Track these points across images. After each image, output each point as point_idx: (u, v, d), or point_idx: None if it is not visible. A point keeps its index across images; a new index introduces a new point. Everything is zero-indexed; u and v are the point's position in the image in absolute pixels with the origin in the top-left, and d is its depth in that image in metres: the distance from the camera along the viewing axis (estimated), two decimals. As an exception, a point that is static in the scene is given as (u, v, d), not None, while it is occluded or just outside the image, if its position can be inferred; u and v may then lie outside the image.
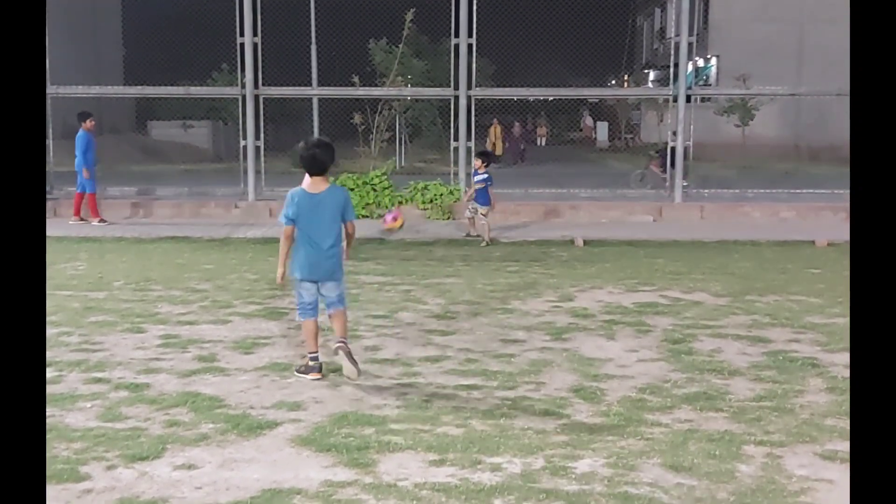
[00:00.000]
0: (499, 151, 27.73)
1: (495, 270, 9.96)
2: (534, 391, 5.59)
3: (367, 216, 13.96)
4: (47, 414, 5.06)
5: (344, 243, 6.12)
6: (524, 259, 10.79)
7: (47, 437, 4.69)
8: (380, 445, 4.62)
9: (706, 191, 15.67)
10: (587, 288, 8.93)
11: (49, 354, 6.31)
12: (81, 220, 13.87)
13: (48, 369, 5.95)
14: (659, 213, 14.68)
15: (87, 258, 10.60)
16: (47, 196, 14.54)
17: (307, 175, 5.96)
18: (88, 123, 13.88)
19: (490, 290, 8.80)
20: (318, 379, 5.86)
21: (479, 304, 8.12)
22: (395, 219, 10.99)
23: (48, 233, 12.47)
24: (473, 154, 13.74)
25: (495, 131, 27.73)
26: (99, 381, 5.75)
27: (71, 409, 5.20)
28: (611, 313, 7.78)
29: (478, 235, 12.53)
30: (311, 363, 5.95)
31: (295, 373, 6.01)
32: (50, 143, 14.98)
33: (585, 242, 11.96)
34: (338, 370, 5.93)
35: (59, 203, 14.70)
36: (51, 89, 15.11)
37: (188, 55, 29.17)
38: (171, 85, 18.58)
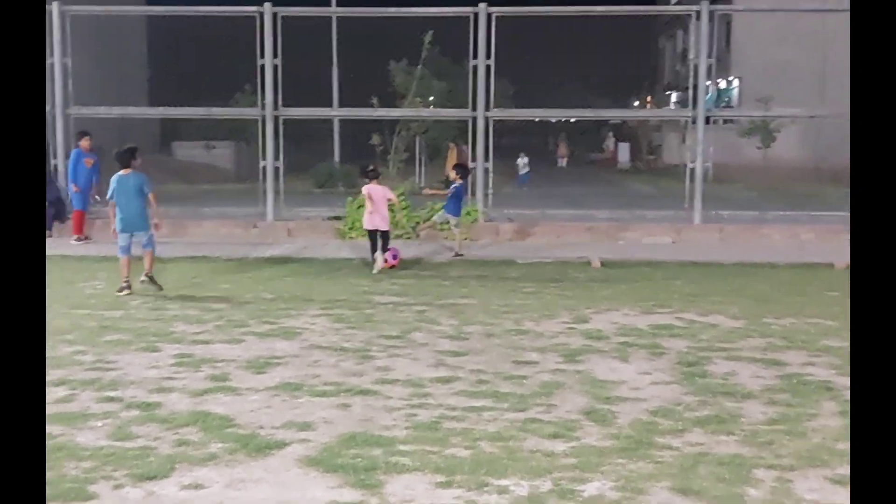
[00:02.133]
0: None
1: (511, 291, 9.94)
2: (544, 413, 5.57)
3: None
4: (58, 433, 5.11)
5: (153, 211, 9.79)
6: (541, 280, 10.77)
7: (57, 455, 4.73)
8: (387, 466, 4.62)
9: (726, 212, 15.57)
10: (603, 310, 8.90)
11: (63, 373, 6.36)
12: (85, 238, 14.04)
13: (61, 388, 6.01)
14: (678, 234, 14.62)
15: (105, 277, 10.67)
16: (68, 216, 14.67)
17: (121, 167, 9.70)
18: (82, 142, 14.18)
19: (504, 310, 8.78)
20: (127, 294, 9.43)
21: (492, 325, 8.10)
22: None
23: (67, 252, 12.64)
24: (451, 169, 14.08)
25: (452, 154, 26.27)
26: (111, 399, 5.79)
27: (82, 427, 5.23)
28: (625, 335, 7.75)
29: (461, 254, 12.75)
30: (123, 285, 9.53)
31: (115, 293, 9.47)
32: (72, 162, 15.09)
33: (603, 264, 11.93)
34: (354, 392, 5.95)
35: (81, 222, 14.82)
36: (73, 109, 15.32)
37: (212, 76, 29.43)
38: (195, 106, 18.77)
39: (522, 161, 28.03)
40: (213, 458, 4.74)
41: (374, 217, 11.35)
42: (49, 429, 5.14)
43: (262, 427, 5.25)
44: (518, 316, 8.53)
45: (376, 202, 11.38)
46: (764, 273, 11.43)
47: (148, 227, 9.78)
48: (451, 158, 25.56)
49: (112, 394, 5.91)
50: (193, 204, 17.95)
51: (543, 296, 9.67)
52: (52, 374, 6.30)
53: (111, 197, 9.71)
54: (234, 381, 6.22)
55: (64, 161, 14.92)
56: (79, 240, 14.04)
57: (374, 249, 11.36)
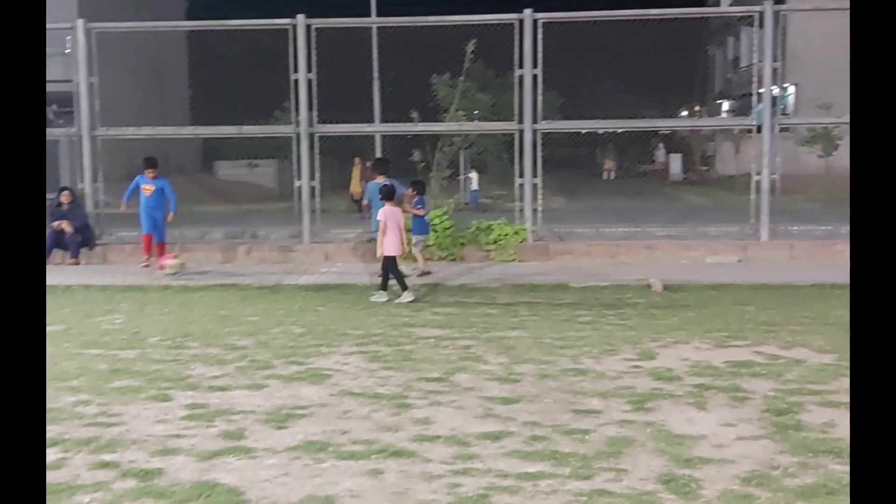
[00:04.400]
0: (357, 190, 22.94)
1: (565, 321, 9.00)
2: (614, 481, 4.64)
3: (429, 258, 13.09)
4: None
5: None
6: (597, 306, 9.82)
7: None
8: (424, 563, 3.73)
9: (795, 227, 14.45)
10: (670, 342, 7.92)
11: (59, 430, 5.58)
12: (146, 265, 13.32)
13: (53, 450, 5.21)
14: (744, 252, 13.56)
15: (127, 309, 9.94)
16: (97, 241, 14.06)
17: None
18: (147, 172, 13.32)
19: (560, 345, 7.85)
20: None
21: (547, 364, 7.17)
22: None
23: (93, 281, 11.95)
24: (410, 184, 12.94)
25: (356, 171, 23.62)
26: (106, 465, 4.97)
27: (65, 504, 4.41)
28: (700, 375, 6.78)
29: (428, 272, 12.17)
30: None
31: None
32: (101, 185, 14.50)
33: (665, 287, 10.92)
34: (388, 454, 5.07)
35: (110, 248, 14.19)
36: (99, 130, 14.66)
37: (254, 93, 28.87)
38: (234, 124, 18.09)
39: (473, 177, 25.05)
40: (213, 550, 3.90)
41: (396, 240, 10.53)
42: (26, 507, 4.35)
43: (275, 504, 4.40)
44: (575, 352, 7.59)
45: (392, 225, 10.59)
46: (846, 296, 10.25)
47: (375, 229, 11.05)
48: (356, 175, 23.66)
49: (109, 457, 5.09)
50: (232, 224, 17.27)
51: (602, 326, 8.72)
52: (47, 432, 5.53)
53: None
54: (250, 440, 5.38)
55: (91, 184, 14.31)
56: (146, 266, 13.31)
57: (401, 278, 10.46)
